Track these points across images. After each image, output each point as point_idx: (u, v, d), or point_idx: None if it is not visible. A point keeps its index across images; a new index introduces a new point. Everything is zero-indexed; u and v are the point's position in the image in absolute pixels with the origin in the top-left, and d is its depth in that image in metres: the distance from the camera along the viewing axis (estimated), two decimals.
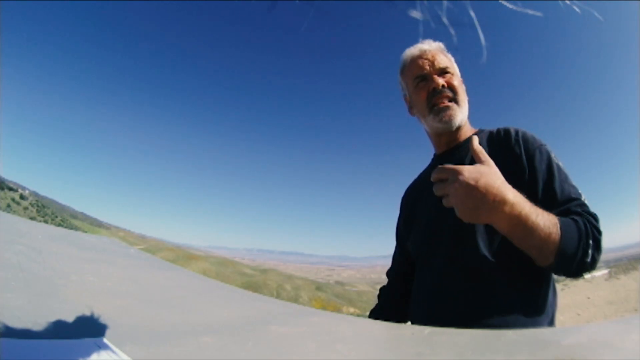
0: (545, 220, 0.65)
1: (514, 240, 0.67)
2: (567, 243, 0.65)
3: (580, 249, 0.66)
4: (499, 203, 0.62)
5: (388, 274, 1.10)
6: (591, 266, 0.67)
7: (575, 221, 0.68)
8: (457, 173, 0.63)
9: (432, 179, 0.67)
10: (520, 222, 0.63)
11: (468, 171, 0.63)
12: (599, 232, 0.69)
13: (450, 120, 0.88)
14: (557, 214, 0.72)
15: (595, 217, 0.71)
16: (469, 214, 0.63)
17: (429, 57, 0.92)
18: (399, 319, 0.99)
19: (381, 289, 1.10)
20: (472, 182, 0.62)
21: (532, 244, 0.65)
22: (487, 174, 0.64)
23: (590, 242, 0.67)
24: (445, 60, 0.93)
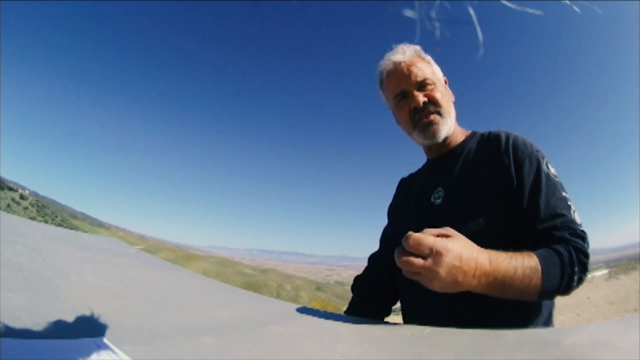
0: (525, 270, 0.64)
1: (492, 296, 0.65)
2: (550, 282, 0.65)
3: (564, 280, 0.66)
4: (477, 278, 0.61)
5: (375, 257, 1.05)
6: (577, 286, 0.68)
7: (559, 254, 0.67)
8: (439, 254, 0.57)
9: (405, 245, 0.59)
10: (497, 285, 0.62)
11: (450, 252, 0.58)
12: (586, 256, 0.69)
13: (434, 136, 0.88)
14: (540, 235, 0.73)
15: (582, 237, 0.71)
16: (445, 290, 0.60)
17: (405, 70, 0.88)
18: (385, 308, 0.96)
19: (358, 279, 1.03)
20: (457, 263, 0.58)
21: (511, 296, 0.65)
22: (466, 249, 0.60)
23: (576, 269, 0.67)
24: (423, 68, 0.89)
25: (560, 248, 0.68)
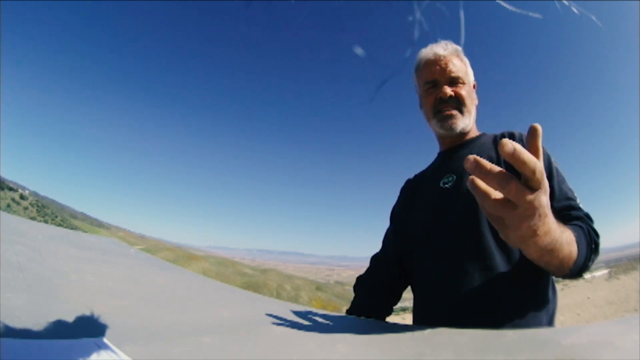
0: (566, 238, 0.58)
1: (540, 262, 0.59)
2: (581, 255, 0.64)
3: (587, 257, 0.66)
4: (544, 234, 0.51)
5: (377, 257, 1.05)
6: (589, 268, 0.69)
7: (582, 228, 0.68)
8: (546, 192, 0.46)
9: (523, 160, 0.43)
10: (550, 247, 0.55)
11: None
12: (598, 235, 0.70)
13: (451, 129, 0.91)
14: (557, 212, 0.75)
15: (592, 220, 0.73)
16: (521, 239, 0.49)
17: (442, 63, 0.93)
18: (386, 308, 0.97)
19: (360, 278, 1.04)
20: (547, 210, 0.48)
21: (552, 265, 0.61)
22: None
23: (593, 246, 0.68)
24: (459, 66, 0.94)
25: (582, 225, 0.69)
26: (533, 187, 0.45)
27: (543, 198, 0.46)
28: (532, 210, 0.46)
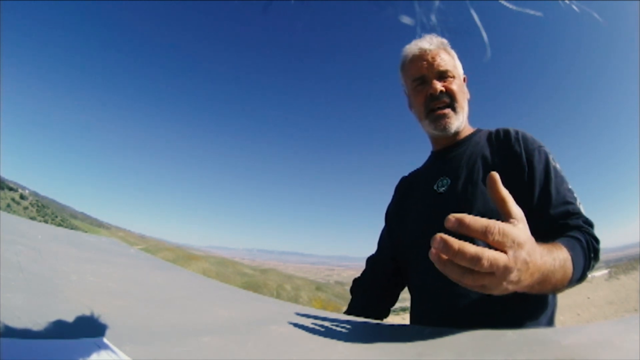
0: (561, 262, 0.57)
1: (531, 292, 0.56)
2: (577, 272, 0.63)
3: (585, 269, 0.66)
4: (531, 274, 0.49)
5: (373, 259, 1.05)
6: (589, 274, 0.68)
7: (579, 241, 0.67)
8: (519, 246, 0.44)
9: (489, 234, 0.42)
10: (541, 280, 0.53)
11: (525, 243, 0.45)
12: (598, 242, 0.69)
13: (445, 128, 0.89)
14: (553, 220, 0.72)
15: (591, 225, 0.71)
16: (501, 293, 0.47)
17: (429, 58, 0.89)
18: (383, 310, 0.98)
19: (356, 281, 1.04)
20: (528, 258, 0.46)
21: (545, 291, 0.59)
22: (531, 239, 0.48)
23: (592, 254, 0.67)
24: (447, 60, 0.91)
25: (579, 235, 0.68)
26: (501, 249, 0.43)
27: (520, 252, 0.44)
28: (510, 270, 0.43)
